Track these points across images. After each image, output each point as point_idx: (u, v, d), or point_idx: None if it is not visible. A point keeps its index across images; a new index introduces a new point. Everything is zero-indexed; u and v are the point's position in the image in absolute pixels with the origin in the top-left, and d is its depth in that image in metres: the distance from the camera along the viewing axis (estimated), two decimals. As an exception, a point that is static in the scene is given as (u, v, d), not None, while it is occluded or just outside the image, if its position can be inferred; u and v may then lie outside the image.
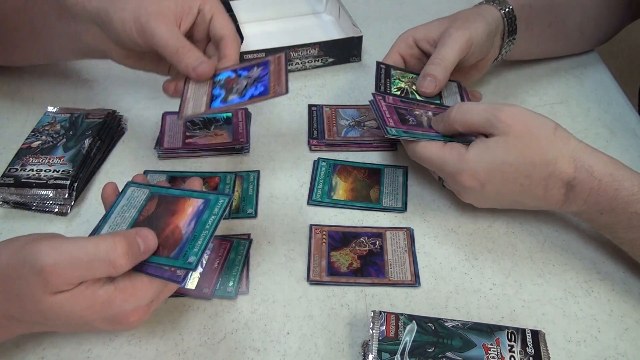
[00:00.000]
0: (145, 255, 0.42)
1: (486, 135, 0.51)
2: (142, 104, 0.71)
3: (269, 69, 0.56)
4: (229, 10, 0.79)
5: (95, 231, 0.46)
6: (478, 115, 0.51)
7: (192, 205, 0.46)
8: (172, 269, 0.42)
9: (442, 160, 0.52)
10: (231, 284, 0.52)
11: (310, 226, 0.57)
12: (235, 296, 0.51)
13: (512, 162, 0.49)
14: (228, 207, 0.45)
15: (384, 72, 0.64)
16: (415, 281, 0.53)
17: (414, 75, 0.64)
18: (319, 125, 0.68)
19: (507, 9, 0.64)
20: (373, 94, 0.60)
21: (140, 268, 0.42)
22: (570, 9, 0.71)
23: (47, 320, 0.41)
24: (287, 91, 0.53)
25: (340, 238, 0.56)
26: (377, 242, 0.56)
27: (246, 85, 0.55)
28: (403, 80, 0.63)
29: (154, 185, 0.49)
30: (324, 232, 0.57)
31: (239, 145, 0.64)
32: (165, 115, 0.68)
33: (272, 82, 0.54)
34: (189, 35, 0.57)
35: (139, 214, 0.46)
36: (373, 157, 0.65)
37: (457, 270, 0.54)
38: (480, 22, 0.62)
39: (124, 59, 0.60)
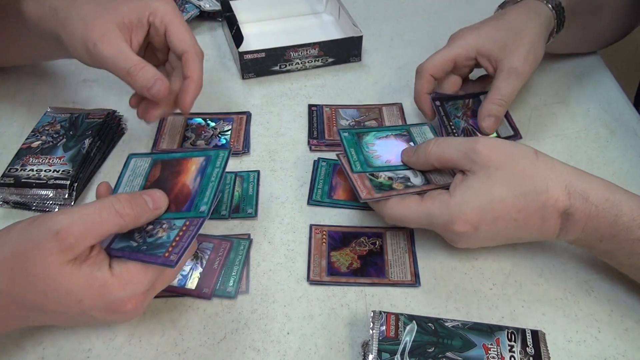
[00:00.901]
0: (156, 211, 0.44)
1: (464, 173, 0.49)
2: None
3: (232, 127, 0.67)
4: (229, 10, 0.79)
5: None
6: (454, 150, 0.49)
7: (195, 164, 0.49)
8: (166, 253, 0.43)
9: (428, 214, 0.49)
10: (231, 284, 0.52)
11: (310, 226, 0.57)
12: (235, 296, 0.51)
13: (501, 197, 0.47)
14: (228, 159, 0.49)
15: (442, 109, 0.62)
16: (415, 281, 0.53)
17: (463, 101, 0.64)
18: (319, 125, 0.68)
19: (555, 2, 0.62)
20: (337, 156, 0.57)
21: (131, 256, 0.42)
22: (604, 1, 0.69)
23: (47, 300, 0.40)
24: (247, 150, 0.64)
25: (340, 238, 0.56)
26: (377, 242, 0.56)
27: (212, 135, 0.65)
28: (459, 115, 0.62)
29: (155, 153, 0.50)
30: (324, 232, 0.57)
31: (236, 151, 0.65)
32: (165, 115, 0.68)
33: (232, 139, 0.65)
34: (146, 45, 0.57)
35: (146, 180, 0.49)
36: (373, 157, 0.65)
37: (457, 270, 0.54)
38: (541, 31, 0.61)
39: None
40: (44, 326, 0.48)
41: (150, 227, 0.45)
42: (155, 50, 0.59)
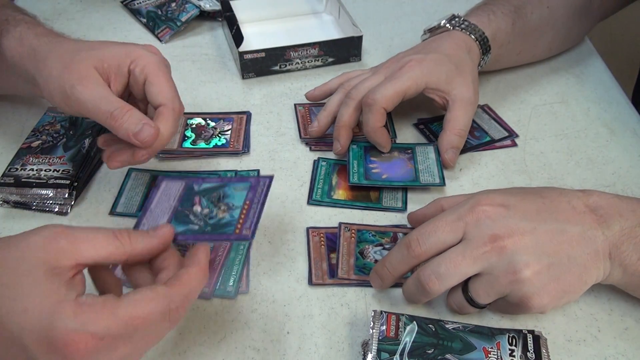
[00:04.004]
0: (133, 250, 0.40)
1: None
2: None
3: (232, 126, 0.67)
4: (229, 10, 0.79)
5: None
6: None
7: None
8: (237, 230, 0.42)
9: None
10: (231, 284, 0.52)
11: (307, 229, 0.57)
12: (235, 296, 0.51)
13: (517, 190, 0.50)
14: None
15: (427, 131, 0.66)
16: (415, 281, 0.53)
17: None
18: (297, 123, 0.68)
19: (479, 34, 0.65)
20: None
21: (197, 238, 0.42)
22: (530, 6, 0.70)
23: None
24: (247, 150, 0.64)
25: (337, 239, 0.56)
26: (377, 242, 0.56)
27: (212, 135, 0.65)
28: None
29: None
30: (321, 235, 0.56)
31: (236, 151, 0.65)
32: (165, 115, 0.68)
33: (232, 139, 0.65)
34: (127, 96, 0.53)
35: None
36: (373, 157, 0.65)
37: (457, 270, 0.54)
38: (475, 64, 0.64)
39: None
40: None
41: (207, 210, 0.45)
42: (137, 101, 0.55)
